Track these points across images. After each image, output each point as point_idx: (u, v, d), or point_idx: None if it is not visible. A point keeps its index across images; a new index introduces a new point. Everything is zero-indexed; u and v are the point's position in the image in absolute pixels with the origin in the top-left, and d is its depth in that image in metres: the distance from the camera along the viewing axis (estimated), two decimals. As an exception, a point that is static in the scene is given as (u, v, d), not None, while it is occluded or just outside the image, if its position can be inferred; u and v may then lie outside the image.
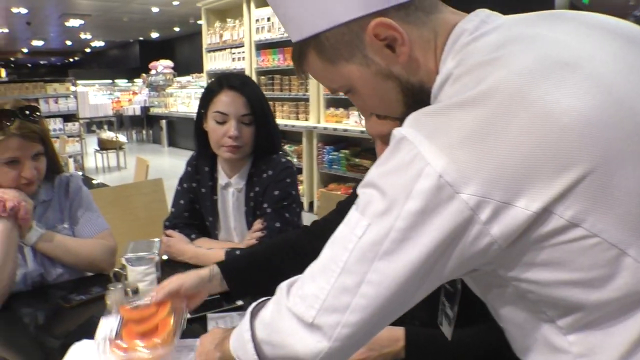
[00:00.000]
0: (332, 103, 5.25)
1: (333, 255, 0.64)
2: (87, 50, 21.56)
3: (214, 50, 6.77)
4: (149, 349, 0.98)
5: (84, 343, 1.12)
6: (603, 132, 0.53)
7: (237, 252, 1.56)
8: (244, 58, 6.13)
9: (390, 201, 0.58)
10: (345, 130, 4.94)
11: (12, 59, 23.04)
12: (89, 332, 1.13)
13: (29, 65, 25.97)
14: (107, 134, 8.84)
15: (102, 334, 1.06)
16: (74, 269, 1.57)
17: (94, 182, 3.73)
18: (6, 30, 14.77)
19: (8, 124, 1.40)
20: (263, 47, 5.87)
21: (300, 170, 5.39)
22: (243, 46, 6.10)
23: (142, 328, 1.01)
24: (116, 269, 1.41)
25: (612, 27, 0.65)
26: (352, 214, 0.63)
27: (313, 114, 5.34)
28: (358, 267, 0.61)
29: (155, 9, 11.92)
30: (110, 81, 17.34)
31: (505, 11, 0.71)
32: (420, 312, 0.85)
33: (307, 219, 1.66)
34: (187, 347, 1.10)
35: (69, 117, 7.30)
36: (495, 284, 0.66)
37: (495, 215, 0.54)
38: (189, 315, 1.18)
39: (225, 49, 6.51)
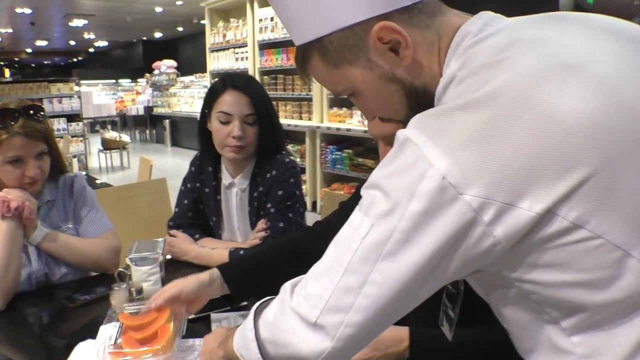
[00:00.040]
0: (335, 103, 5.25)
1: (336, 256, 0.64)
2: (91, 50, 21.61)
3: (217, 50, 6.77)
4: (148, 356, 0.98)
5: (89, 343, 1.13)
6: (606, 134, 0.53)
7: (241, 252, 1.57)
8: (247, 58, 6.14)
9: (394, 202, 0.58)
10: (349, 129, 4.94)
11: (16, 59, 23.12)
12: (93, 332, 1.13)
13: (33, 65, 26.03)
14: (111, 134, 8.84)
15: (102, 341, 1.06)
16: (78, 268, 1.57)
17: (98, 182, 3.74)
18: (10, 31, 14.81)
19: (12, 122, 1.41)
20: (266, 46, 5.87)
21: (303, 170, 5.40)
22: (246, 46, 6.10)
23: (141, 335, 1.01)
24: (120, 269, 1.41)
25: (616, 29, 0.65)
26: (356, 215, 0.64)
27: (316, 114, 5.34)
28: (361, 267, 0.61)
29: (158, 9, 11.93)
30: (113, 81, 17.38)
31: (509, 13, 0.71)
32: (424, 313, 0.85)
33: (310, 218, 1.66)
34: (191, 347, 1.11)
35: (72, 117, 7.31)
36: (498, 285, 0.66)
37: (499, 216, 0.54)
38: (192, 315, 1.18)
39: (228, 48, 6.51)
